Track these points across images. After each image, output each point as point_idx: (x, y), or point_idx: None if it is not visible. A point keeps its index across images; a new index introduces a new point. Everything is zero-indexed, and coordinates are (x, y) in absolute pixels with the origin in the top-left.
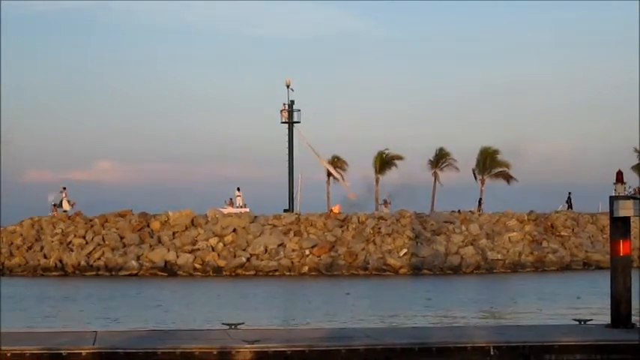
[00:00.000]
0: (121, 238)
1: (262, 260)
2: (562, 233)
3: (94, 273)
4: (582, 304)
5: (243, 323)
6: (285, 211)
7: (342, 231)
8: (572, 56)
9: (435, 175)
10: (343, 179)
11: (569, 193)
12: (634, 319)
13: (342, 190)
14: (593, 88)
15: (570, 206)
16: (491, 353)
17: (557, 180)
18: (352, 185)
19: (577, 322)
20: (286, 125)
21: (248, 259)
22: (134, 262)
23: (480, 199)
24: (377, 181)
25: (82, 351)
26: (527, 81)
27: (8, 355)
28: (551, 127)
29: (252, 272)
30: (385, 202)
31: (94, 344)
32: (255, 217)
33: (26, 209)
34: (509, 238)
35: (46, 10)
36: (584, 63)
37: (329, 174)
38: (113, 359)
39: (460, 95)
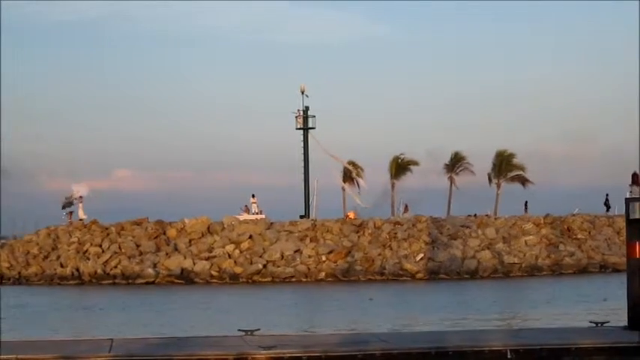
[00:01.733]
0: (138, 245)
1: (279, 267)
2: (578, 236)
3: (110, 281)
4: (599, 306)
5: (259, 329)
6: (301, 217)
7: (359, 236)
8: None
9: (451, 179)
10: (359, 182)
11: (607, 194)
12: None
13: (358, 194)
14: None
15: (608, 208)
16: (508, 356)
17: (572, 182)
18: (368, 190)
19: (594, 325)
20: (301, 131)
21: (264, 266)
22: (151, 270)
23: (526, 202)
24: (392, 186)
25: (99, 359)
26: (549, 81)
27: None
28: (567, 129)
29: (269, 279)
30: (405, 207)
31: (110, 352)
32: (271, 223)
33: (43, 218)
34: (525, 241)
35: (65, 20)
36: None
37: (348, 175)
38: None
39: (475, 98)
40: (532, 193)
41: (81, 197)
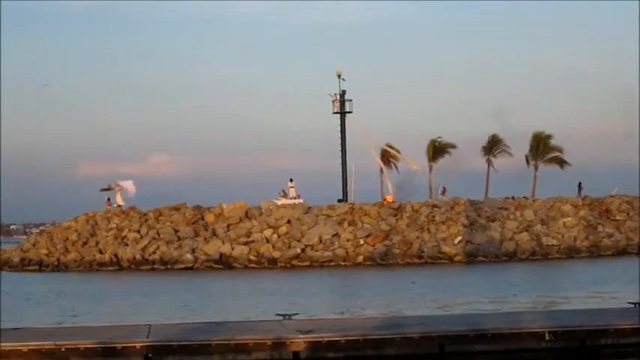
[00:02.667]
0: (176, 231)
1: (317, 251)
2: (617, 217)
3: (149, 267)
4: (637, 287)
5: (297, 314)
6: (339, 201)
7: (397, 220)
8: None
9: (489, 161)
10: (399, 159)
11: None
12: None
13: (403, 167)
14: None
15: None
16: (547, 338)
17: (610, 163)
18: (405, 167)
19: (632, 305)
20: (338, 115)
21: (303, 250)
22: (189, 256)
23: (580, 183)
24: (430, 169)
25: (137, 344)
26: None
27: (62, 349)
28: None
29: (307, 263)
30: (443, 190)
31: (147, 337)
32: (309, 207)
33: (81, 204)
34: (563, 223)
35: (90, 6)
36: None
37: (386, 158)
38: (167, 351)
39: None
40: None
41: (118, 185)
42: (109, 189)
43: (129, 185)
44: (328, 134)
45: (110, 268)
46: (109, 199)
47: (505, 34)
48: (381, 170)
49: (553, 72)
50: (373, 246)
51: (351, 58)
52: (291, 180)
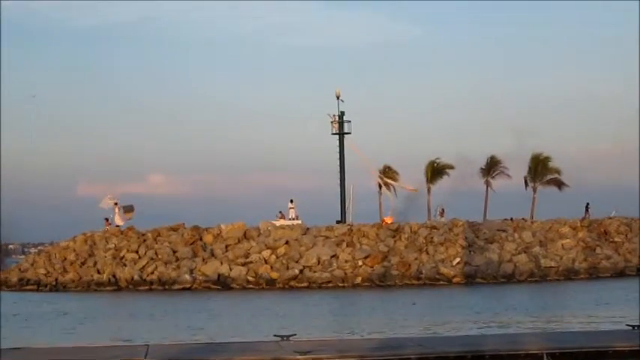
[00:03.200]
0: (174, 251)
1: (315, 272)
2: (615, 239)
3: (147, 287)
4: (636, 309)
5: (295, 334)
6: (337, 222)
7: (395, 241)
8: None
9: (487, 183)
10: (395, 185)
11: None
12: None
13: (400, 192)
14: None
15: None
16: None
17: (608, 185)
18: (403, 191)
19: (630, 327)
20: (337, 136)
21: (301, 271)
22: (187, 276)
23: (588, 203)
24: (428, 190)
25: None
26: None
27: None
28: (599, 132)
29: (306, 284)
30: (442, 212)
31: (146, 357)
32: (308, 228)
33: (80, 224)
34: (562, 245)
35: (91, 26)
36: None
37: (384, 184)
38: None
39: (509, 103)
40: (568, 195)
41: (116, 204)
42: (114, 203)
43: (122, 216)
44: (327, 155)
45: (108, 288)
46: (107, 219)
47: (504, 57)
48: (380, 191)
49: (559, 95)
50: (371, 267)
51: (349, 80)
52: (291, 201)
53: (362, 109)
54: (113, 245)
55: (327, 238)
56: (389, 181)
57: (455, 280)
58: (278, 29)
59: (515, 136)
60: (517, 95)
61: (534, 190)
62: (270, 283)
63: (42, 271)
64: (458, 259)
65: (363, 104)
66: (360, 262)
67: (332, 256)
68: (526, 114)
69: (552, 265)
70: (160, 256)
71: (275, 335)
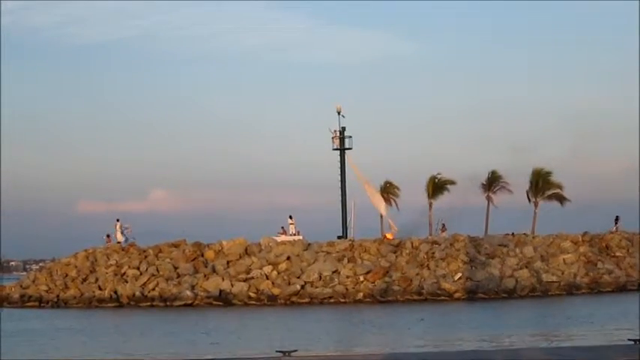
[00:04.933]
0: (175, 268)
1: (317, 287)
2: (617, 254)
3: (148, 304)
4: (637, 324)
5: (296, 350)
6: (338, 237)
7: (396, 256)
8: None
9: (489, 198)
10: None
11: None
12: None
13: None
14: None
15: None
16: None
17: (609, 200)
18: (404, 211)
19: (632, 342)
20: (338, 152)
21: (302, 287)
22: (189, 292)
23: (617, 216)
24: (430, 205)
25: None
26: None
27: None
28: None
29: (307, 300)
30: (443, 227)
31: None
32: (309, 244)
33: (81, 240)
34: (563, 259)
35: (89, 43)
36: None
37: (385, 197)
38: None
39: (509, 117)
40: (569, 210)
41: (117, 220)
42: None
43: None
44: (329, 171)
45: (109, 304)
46: (108, 236)
47: (506, 71)
48: (381, 215)
49: (562, 110)
50: (373, 283)
51: (350, 96)
52: (290, 217)
53: (363, 124)
54: (114, 261)
55: (328, 253)
56: (382, 210)
57: (456, 295)
58: (278, 46)
59: (515, 152)
60: (516, 110)
61: (535, 205)
62: (272, 299)
63: (43, 287)
64: (459, 275)
65: (363, 120)
66: (362, 278)
67: (333, 272)
68: (526, 129)
69: (554, 279)
70: (161, 273)
71: (277, 351)
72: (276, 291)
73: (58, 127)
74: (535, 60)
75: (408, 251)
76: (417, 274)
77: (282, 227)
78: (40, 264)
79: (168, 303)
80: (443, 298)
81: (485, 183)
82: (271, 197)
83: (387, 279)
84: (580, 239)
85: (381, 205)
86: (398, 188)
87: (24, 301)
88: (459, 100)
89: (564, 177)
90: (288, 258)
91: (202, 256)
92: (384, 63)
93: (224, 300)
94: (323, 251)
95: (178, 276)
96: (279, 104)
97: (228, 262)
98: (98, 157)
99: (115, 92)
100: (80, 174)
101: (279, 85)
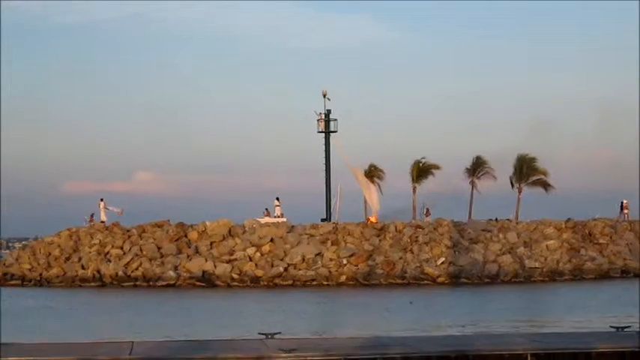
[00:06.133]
0: (159, 248)
1: (300, 270)
2: (600, 241)
3: (131, 283)
4: (620, 311)
5: (279, 333)
6: (322, 220)
7: (380, 240)
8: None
9: (473, 183)
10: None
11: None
12: None
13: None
14: None
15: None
16: None
17: (594, 187)
18: (389, 194)
19: (614, 329)
20: (323, 135)
21: (285, 269)
22: (172, 273)
23: (622, 202)
24: (414, 190)
25: None
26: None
27: None
28: (584, 135)
29: (290, 282)
30: (427, 211)
31: (130, 354)
32: (293, 226)
33: (66, 220)
34: (547, 246)
35: (82, 22)
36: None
37: (372, 177)
38: None
39: (493, 102)
40: (553, 197)
41: (102, 200)
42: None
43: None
44: (314, 154)
45: (92, 284)
46: (92, 215)
47: (493, 59)
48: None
49: (550, 97)
50: (356, 266)
51: (337, 81)
52: (277, 199)
53: (349, 109)
54: (98, 241)
55: (311, 236)
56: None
57: (439, 279)
58: (265, 31)
59: (501, 137)
60: (506, 95)
61: (519, 191)
62: (255, 281)
63: (26, 266)
64: (442, 259)
65: (350, 104)
66: (345, 261)
67: (317, 255)
68: (515, 114)
69: (537, 266)
70: (144, 253)
71: (259, 333)
72: (259, 273)
73: (45, 107)
74: (526, 46)
75: (391, 235)
76: (401, 258)
77: (266, 209)
78: (24, 242)
79: (151, 283)
80: (426, 282)
81: (469, 168)
82: (256, 180)
83: (370, 262)
84: (563, 226)
85: (373, 198)
86: (382, 171)
87: (6, 280)
88: (447, 85)
89: (551, 165)
90: (272, 240)
91: (186, 236)
92: (371, 48)
93: (207, 281)
94: (306, 234)
95: (162, 256)
96: (266, 88)
97: (211, 243)
98: (84, 137)
99: (103, 73)
100: (65, 153)
101: (265, 68)
